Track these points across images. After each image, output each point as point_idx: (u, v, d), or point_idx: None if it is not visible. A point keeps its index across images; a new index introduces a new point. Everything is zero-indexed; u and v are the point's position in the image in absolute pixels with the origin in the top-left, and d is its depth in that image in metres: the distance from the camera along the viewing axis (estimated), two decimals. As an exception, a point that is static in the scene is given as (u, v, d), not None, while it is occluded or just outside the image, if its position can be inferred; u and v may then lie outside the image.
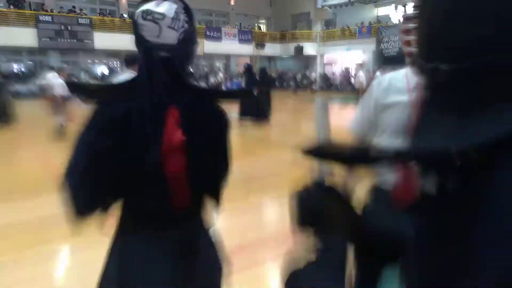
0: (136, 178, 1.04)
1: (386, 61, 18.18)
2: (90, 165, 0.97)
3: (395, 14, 25.57)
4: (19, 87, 17.90)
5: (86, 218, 1.00)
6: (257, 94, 9.47)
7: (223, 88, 23.37)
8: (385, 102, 1.59)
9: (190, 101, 1.09)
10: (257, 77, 10.32)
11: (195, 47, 1.16)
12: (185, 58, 1.11)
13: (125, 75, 4.47)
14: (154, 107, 1.00)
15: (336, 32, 27.54)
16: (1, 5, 19.75)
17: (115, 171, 1.01)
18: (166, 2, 1.04)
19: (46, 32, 19.63)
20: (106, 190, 1.04)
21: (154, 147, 1.01)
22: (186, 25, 1.07)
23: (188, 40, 1.09)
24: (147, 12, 1.01)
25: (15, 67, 20.34)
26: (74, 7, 21.68)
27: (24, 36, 18.86)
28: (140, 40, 1.04)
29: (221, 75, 24.11)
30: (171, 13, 1.02)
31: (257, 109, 9.54)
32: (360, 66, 12.47)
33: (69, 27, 20.28)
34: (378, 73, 13.97)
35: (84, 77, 21.39)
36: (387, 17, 26.27)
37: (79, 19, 20.71)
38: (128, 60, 4.82)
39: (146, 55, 1.03)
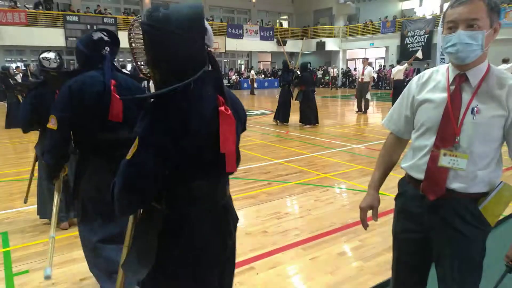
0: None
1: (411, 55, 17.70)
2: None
3: (420, 8, 24.93)
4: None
5: None
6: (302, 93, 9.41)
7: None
8: (421, 98, 1.50)
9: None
10: (299, 74, 9.94)
11: (62, 68, 3.29)
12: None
13: None
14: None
15: (359, 27, 27.09)
16: (30, 6, 20.43)
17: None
18: (51, 52, 3.24)
19: (73, 32, 20.17)
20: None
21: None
22: (58, 61, 3.23)
23: (61, 66, 3.27)
24: (45, 57, 3.18)
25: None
26: (99, 6, 22.18)
27: (52, 36, 19.43)
28: (41, 69, 3.25)
29: (252, 72, 23.81)
30: (53, 56, 3.20)
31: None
32: (366, 61, 12.60)
33: (94, 26, 20.74)
34: (397, 67, 13.59)
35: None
36: (412, 11, 25.64)
37: (104, 18, 21.17)
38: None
39: (43, 72, 3.27)
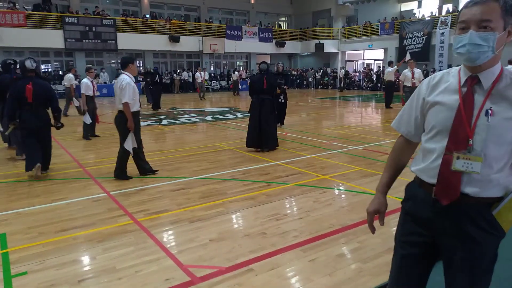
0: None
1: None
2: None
3: (419, 9, 24.99)
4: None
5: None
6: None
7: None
8: (432, 100, 1.46)
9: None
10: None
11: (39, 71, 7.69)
12: (39, 74, 6.21)
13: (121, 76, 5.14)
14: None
15: (358, 28, 27.14)
16: (29, 7, 20.42)
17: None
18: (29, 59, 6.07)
19: (72, 33, 20.18)
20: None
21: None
22: (1, 70, 7.32)
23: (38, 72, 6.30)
24: (33, 60, 5.86)
25: (43, 68, 20.95)
26: (97, 7, 22.18)
27: (51, 38, 19.44)
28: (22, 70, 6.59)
29: (237, 74, 23.95)
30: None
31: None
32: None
33: (93, 28, 20.77)
34: (388, 69, 13.76)
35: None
36: (411, 12, 25.70)
37: (103, 20, 21.17)
38: (123, 63, 5.17)
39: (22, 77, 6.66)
